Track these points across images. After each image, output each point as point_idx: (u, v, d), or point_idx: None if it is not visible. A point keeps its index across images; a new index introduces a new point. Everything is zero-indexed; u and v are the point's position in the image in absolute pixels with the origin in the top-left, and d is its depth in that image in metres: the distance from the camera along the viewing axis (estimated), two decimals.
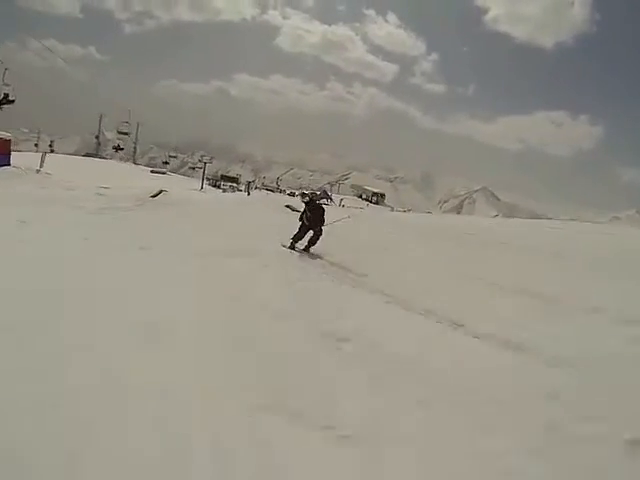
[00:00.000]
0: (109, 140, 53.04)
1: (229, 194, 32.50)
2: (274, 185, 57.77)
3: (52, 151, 37.62)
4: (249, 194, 27.41)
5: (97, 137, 41.07)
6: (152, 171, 33.80)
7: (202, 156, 32.88)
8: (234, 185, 43.48)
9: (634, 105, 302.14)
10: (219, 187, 40.23)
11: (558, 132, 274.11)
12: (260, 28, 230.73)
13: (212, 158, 34.05)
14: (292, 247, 7.47)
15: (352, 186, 75.57)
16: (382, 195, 64.55)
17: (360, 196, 60.81)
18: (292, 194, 51.44)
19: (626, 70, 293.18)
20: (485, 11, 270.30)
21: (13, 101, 16.45)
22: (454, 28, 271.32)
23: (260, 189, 48.04)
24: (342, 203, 44.39)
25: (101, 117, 40.66)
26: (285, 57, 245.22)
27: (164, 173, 33.97)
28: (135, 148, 43.02)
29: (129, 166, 35.63)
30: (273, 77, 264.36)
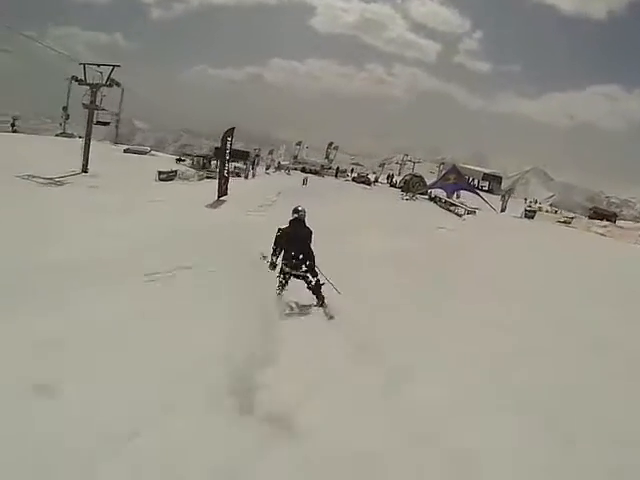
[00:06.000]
0: (139, 129, 55.08)
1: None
2: (313, 162, 39.99)
3: (15, 131, 33.90)
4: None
5: (64, 108, 35.80)
6: (126, 150, 25.80)
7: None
8: (239, 167, 25.21)
9: None
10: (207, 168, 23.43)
11: (611, 106, 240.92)
12: (295, 9, 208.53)
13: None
14: None
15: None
16: (498, 178, 41.83)
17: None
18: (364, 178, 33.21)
19: None
20: None
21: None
22: (499, 3, 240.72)
23: (286, 169, 33.97)
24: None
25: (70, 85, 32.93)
26: (321, 39, 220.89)
27: (145, 153, 25.84)
28: (117, 126, 33.76)
29: (100, 145, 28.95)
30: (309, 60, 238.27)
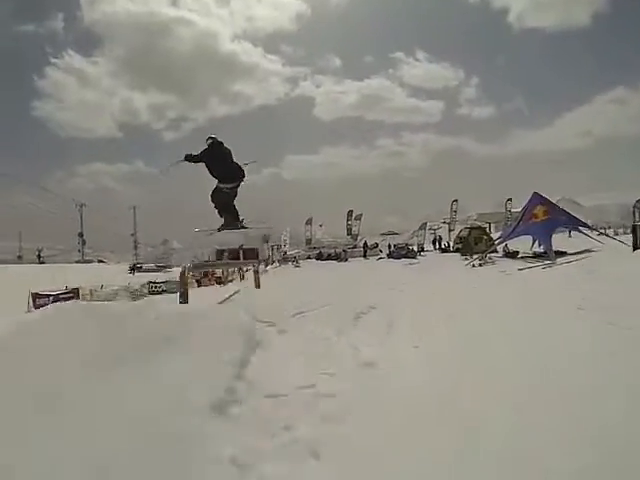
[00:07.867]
0: (174, 249, 58.48)
1: None
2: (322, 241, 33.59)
3: (42, 262, 36.99)
4: None
5: (80, 235, 40.13)
6: (140, 269, 22.73)
7: None
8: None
9: None
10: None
11: (623, 110, 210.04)
12: (295, 103, 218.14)
13: None
14: None
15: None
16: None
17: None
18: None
19: None
20: (506, 12, 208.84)
21: None
22: (482, 41, 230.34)
23: (294, 259, 27.87)
24: None
25: (81, 209, 37.31)
26: (328, 126, 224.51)
27: (158, 269, 22.04)
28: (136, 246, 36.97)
29: (108, 266, 30.45)
30: (322, 150, 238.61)
